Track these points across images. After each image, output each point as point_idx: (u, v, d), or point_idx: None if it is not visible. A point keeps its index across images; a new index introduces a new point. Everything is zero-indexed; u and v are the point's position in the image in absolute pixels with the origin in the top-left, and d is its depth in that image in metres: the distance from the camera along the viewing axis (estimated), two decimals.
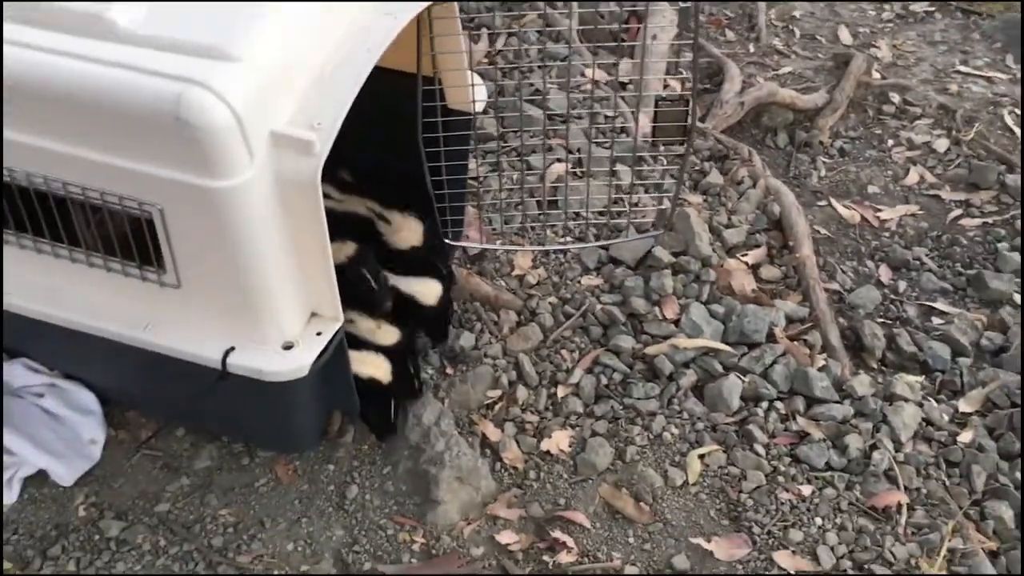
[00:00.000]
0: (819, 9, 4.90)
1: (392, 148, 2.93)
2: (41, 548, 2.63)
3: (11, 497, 2.72)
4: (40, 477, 2.77)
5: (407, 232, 2.99)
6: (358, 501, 2.75)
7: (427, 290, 2.92)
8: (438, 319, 3.00)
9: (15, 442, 2.69)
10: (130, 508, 2.73)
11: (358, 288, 2.78)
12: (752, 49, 4.49)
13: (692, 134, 2.87)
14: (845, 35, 4.71)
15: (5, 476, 2.71)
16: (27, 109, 2.08)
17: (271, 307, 2.29)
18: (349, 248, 2.80)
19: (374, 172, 3.09)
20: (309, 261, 2.27)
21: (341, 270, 2.71)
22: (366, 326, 2.80)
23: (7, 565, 2.60)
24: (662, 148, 3.50)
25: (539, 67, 3.85)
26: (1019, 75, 4.35)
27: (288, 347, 2.33)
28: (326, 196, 2.98)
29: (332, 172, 3.08)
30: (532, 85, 3.92)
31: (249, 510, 2.73)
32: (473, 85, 2.79)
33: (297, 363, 2.30)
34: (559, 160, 3.58)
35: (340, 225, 2.87)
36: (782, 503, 2.72)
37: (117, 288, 2.35)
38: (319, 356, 2.33)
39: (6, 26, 2.04)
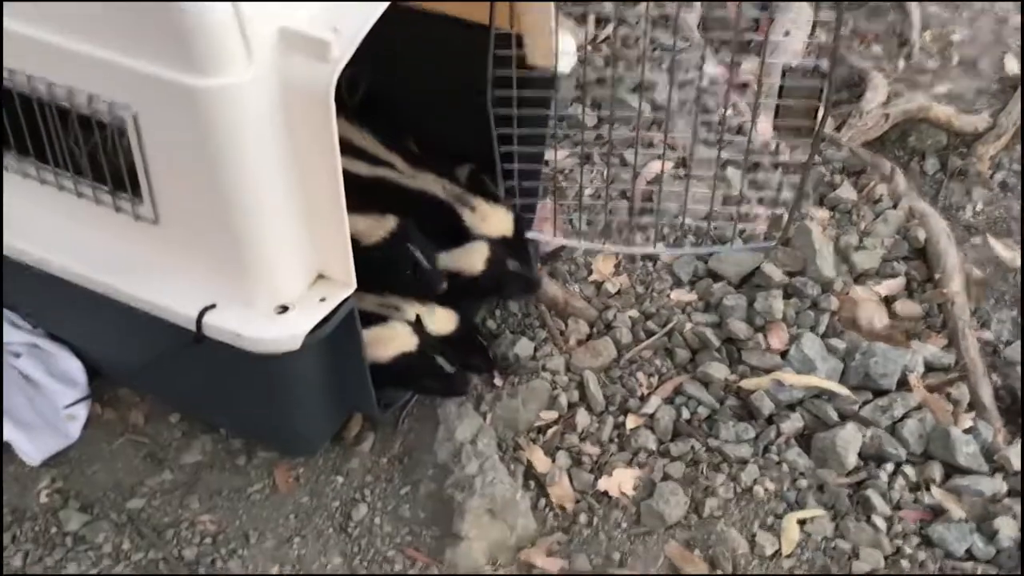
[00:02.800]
0: (983, 34, 4.24)
1: (461, 115, 2.47)
2: None
3: None
4: (8, 452, 2.39)
5: (496, 221, 2.51)
6: (365, 524, 2.27)
7: (471, 257, 2.42)
8: (497, 282, 2.49)
9: None
10: (99, 500, 2.32)
11: (401, 270, 2.31)
12: (902, 66, 3.88)
13: (825, 118, 2.31)
14: (1012, 64, 4.03)
15: None
16: None
17: (264, 257, 1.83)
18: (389, 223, 2.31)
19: (440, 142, 2.63)
20: (317, 204, 1.80)
21: (380, 249, 2.28)
22: (414, 312, 2.33)
23: None
24: (783, 146, 2.94)
25: (648, 57, 3.33)
26: None
27: (282, 311, 1.86)
28: (391, 167, 2.56)
29: (399, 141, 2.63)
30: (638, 77, 3.41)
31: (235, 519, 2.29)
32: (557, 31, 2.30)
33: (288, 331, 1.83)
34: (658, 157, 3.05)
35: (413, 206, 2.45)
36: None
37: (89, 221, 1.93)
38: (319, 326, 1.84)
39: None
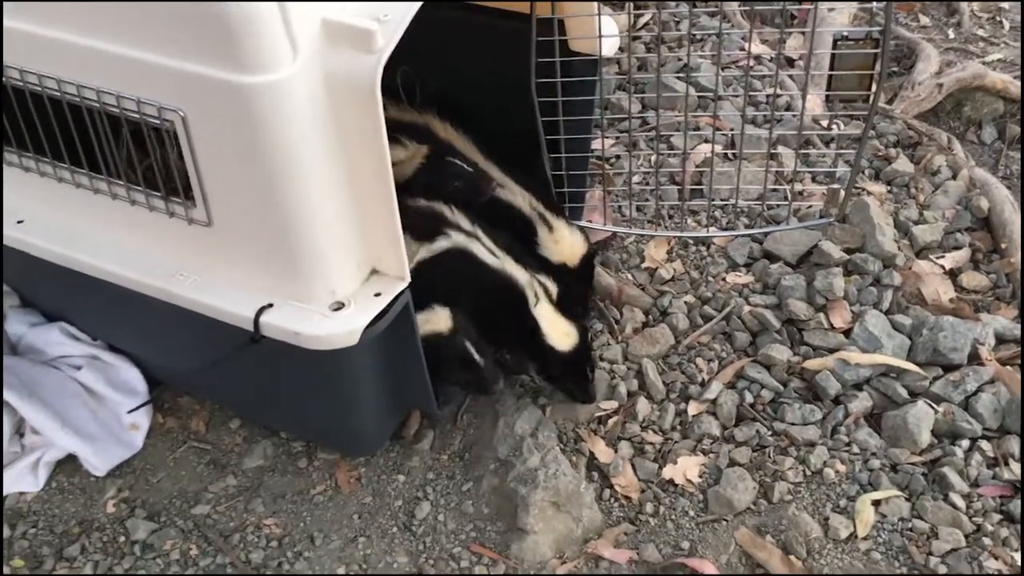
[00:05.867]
0: None
1: (512, 106, 2.43)
2: (59, 546, 2.25)
3: (36, 485, 2.34)
4: (74, 463, 2.39)
5: (569, 246, 2.50)
6: (429, 522, 2.24)
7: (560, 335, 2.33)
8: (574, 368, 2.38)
9: (41, 420, 2.31)
10: (165, 508, 2.31)
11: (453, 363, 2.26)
12: (952, 35, 3.78)
13: (881, 85, 2.24)
14: None
15: (30, 459, 2.33)
16: None
17: (318, 255, 1.82)
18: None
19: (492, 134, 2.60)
20: (367, 198, 1.78)
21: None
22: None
23: (17, 563, 2.20)
24: (836, 120, 2.87)
25: (689, 41, 3.27)
26: None
27: (338, 308, 1.84)
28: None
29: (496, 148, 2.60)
30: (680, 60, 3.36)
31: (299, 522, 2.27)
32: (600, 15, 2.26)
33: (345, 327, 1.81)
34: (706, 140, 2.99)
35: (497, 214, 2.44)
36: (988, 573, 2.03)
37: (143, 228, 1.93)
38: (374, 321, 1.83)
39: None
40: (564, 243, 2.49)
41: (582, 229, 2.55)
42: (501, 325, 2.31)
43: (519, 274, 2.28)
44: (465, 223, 2.32)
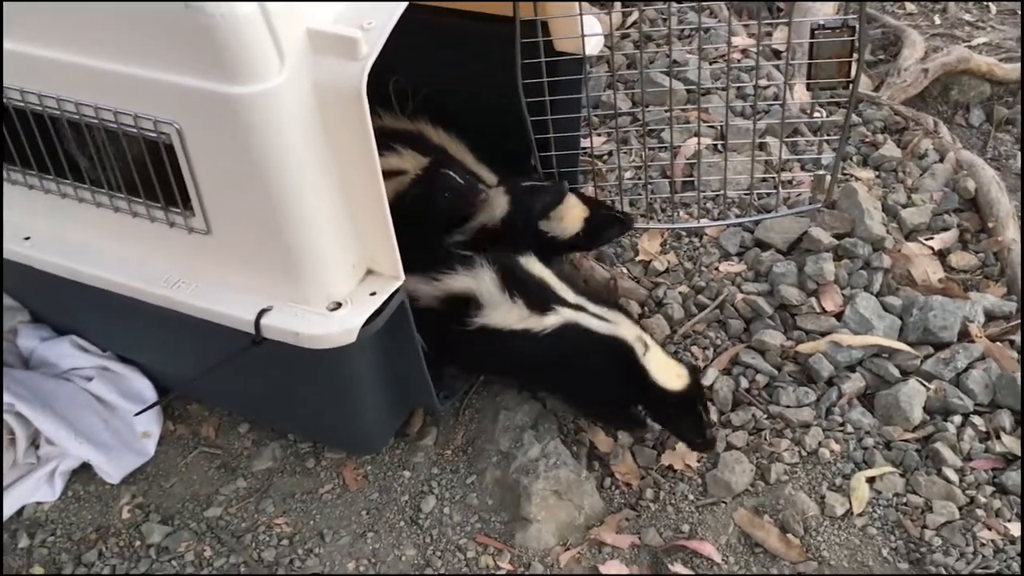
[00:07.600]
0: None
1: (502, 108, 2.49)
2: (76, 552, 2.31)
3: (53, 494, 2.41)
4: (89, 472, 2.46)
5: (574, 212, 2.51)
6: (435, 515, 2.29)
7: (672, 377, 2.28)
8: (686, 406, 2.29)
9: (55, 431, 2.37)
10: (178, 512, 2.38)
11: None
12: (938, 21, 3.82)
13: (859, 71, 2.29)
14: None
15: (46, 470, 2.40)
16: (28, 13, 1.77)
17: (314, 257, 1.88)
18: None
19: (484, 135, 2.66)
20: (359, 200, 1.84)
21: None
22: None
23: (37, 570, 2.27)
24: (820, 108, 2.92)
25: (670, 38, 3.32)
26: None
27: (335, 308, 1.90)
28: (478, 179, 2.56)
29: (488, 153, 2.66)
30: (669, 56, 3.41)
31: (309, 520, 2.33)
32: (582, 14, 2.31)
33: (343, 326, 1.87)
34: (695, 134, 3.04)
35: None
36: (982, 544, 2.10)
37: (145, 238, 2.00)
38: (371, 319, 1.88)
39: None
40: (568, 214, 2.50)
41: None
42: (615, 380, 2.31)
43: (628, 332, 2.28)
44: (570, 295, 2.32)
